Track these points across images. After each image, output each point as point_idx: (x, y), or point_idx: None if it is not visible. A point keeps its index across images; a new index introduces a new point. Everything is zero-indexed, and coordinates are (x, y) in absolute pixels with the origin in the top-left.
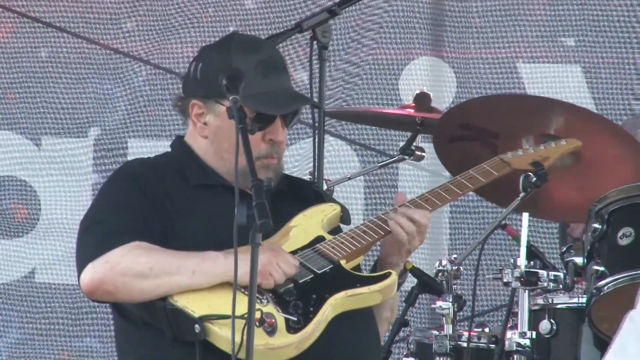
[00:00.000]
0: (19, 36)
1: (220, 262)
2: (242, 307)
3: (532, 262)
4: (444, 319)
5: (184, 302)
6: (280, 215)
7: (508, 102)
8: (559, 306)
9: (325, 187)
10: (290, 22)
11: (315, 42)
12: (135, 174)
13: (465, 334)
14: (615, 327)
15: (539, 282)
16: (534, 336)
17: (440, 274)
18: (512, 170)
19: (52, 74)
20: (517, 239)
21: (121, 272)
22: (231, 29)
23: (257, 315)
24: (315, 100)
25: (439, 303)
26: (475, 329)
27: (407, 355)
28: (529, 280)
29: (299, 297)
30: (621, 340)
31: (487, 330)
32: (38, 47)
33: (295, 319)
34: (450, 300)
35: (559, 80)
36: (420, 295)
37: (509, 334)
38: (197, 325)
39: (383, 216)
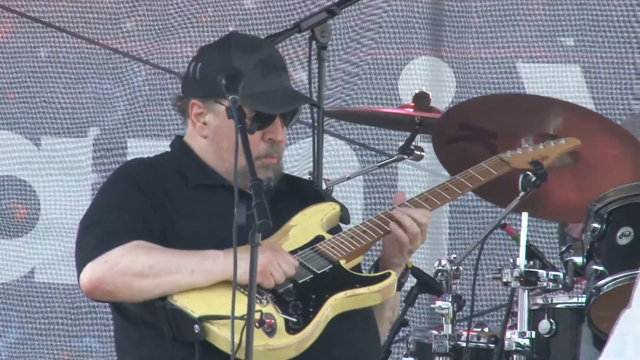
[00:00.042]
0: (18, 36)
1: (220, 261)
2: (241, 307)
3: (531, 262)
4: (443, 318)
5: (183, 302)
6: (280, 215)
7: (507, 102)
8: (558, 306)
9: (324, 186)
10: (289, 22)
11: (314, 42)
12: (134, 174)
13: (465, 333)
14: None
15: (538, 282)
16: (533, 336)
17: (439, 274)
18: (511, 169)
19: (51, 74)
20: (516, 238)
21: (121, 271)
22: (230, 28)
23: (257, 316)
24: (315, 100)
25: (439, 303)
26: (475, 329)
27: (406, 355)
28: (529, 280)
29: (299, 298)
30: (616, 340)
31: (486, 330)
32: (37, 47)
33: (295, 319)
34: (450, 300)
35: (558, 80)
36: (419, 295)
37: (508, 333)
38: (196, 326)
39: (383, 215)
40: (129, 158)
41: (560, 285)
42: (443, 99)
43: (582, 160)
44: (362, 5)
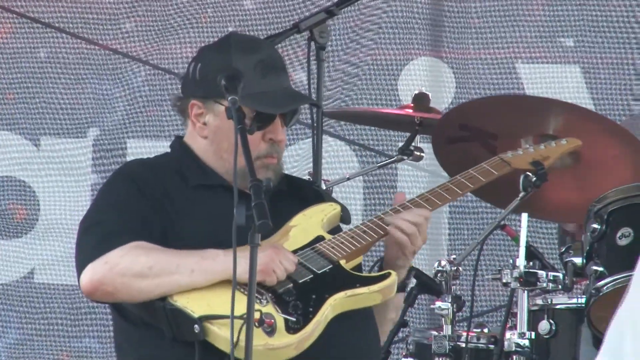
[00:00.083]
0: (18, 36)
1: (220, 260)
2: (241, 307)
3: (531, 263)
4: (443, 319)
5: (183, 302)
6: (280, 215)
7: (507, 103)
8: (558, 306)
9: (324, 187)
10: (289, 23)
11: (312, 42)
12: (134, 175)
13: (465, 334)
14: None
15: (538, 283)
16: (533, 336)
17: (439, 275)
18: (512, 169)
19: (51, 75)
20: (516, 239)
21: (120, 272)
22: (230, 29)
23: (257, 315)
24: (315, 100)
25: (438, 303)
26: (475, 330)
27: (406, 356)
28: (528, 280)
29: (299, 297)
30: (613, 339)
31: (486, 330)
32: (37, 47)
33: (295, 319)
34: (450, 300)
35: (558, 81)
36: (419, 296)
37: (508, 334)
38: (196, 325)
39: (383, 216)
40: (128, 159)
41: (560, 286)
42: (442, 100)
43: (582, 160)
44: (361, 6)
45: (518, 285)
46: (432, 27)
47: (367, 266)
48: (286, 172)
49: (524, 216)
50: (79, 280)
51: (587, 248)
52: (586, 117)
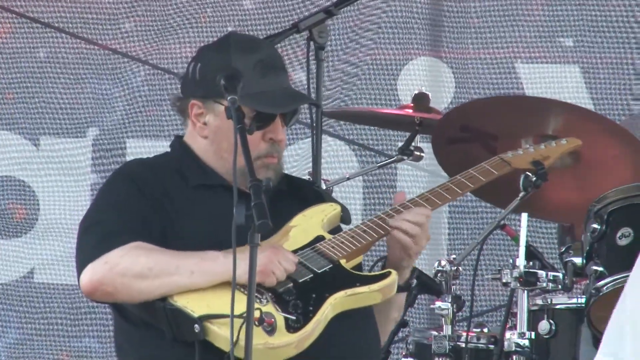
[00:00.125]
0: (17, 36)
1: (220, 262)
2: (241, 307)
3: (531, 263)
4: (443, 319)
5: (183, 302)
6: (280, 215)
7: (507, 104)
8: (558, 306)
9: (323, 187)
10: (288, 23)
11: (312, 42)
12: (134, 175)
13: (464, 334)
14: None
15: (538, 283)
16: (533, 336)
17: (439, 275)
18: (512, 169)
19: (50, 74)
20: (516, 239)
21: (120, 272)
22: (229, 29)
23: (257, 314)
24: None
25: (438, 303)
26: (474, 330)
27: (406, 356)
28: (528, 280)
29: (299, 297)
30: (613, 337)
31: (486, 330)
32: (36, 47)
33: (295, 318)
34: (449, 300)
35: (557, 81)
36: (419, 296)
37: (508, 334)
38: (196, 325)
39: (383, 216)
40: (128, 158)
41: (560, 286)
42: (442, 100)
43: (582, 160)
44: (360, 6)
45: (518, 285)
46: (432, 27)
47: (367, 265)
48: (286, 172)
49: (524, 216)
50: (78, 280)
51: (587, 248)
52: (586, 117)
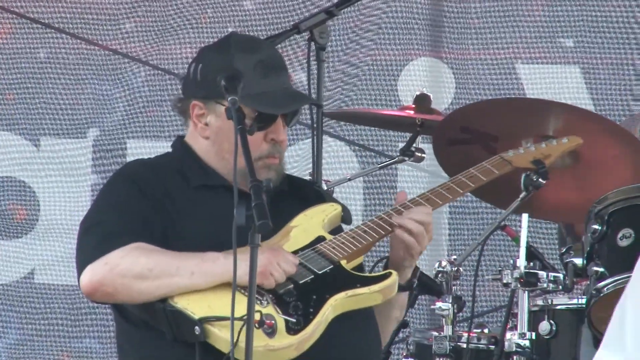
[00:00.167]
0: (17, 37)
1: (220, 263)
2: (242, 308)
3: (531, 263)
4: (443, 319)
5: (184, 304)
6: (281, 216)
7: (507, 105)
8: (558, 307)
9: (325, 188)
10: (289, 23)
11: (312, 43)
12: (135, 175)
13: (465, 334)
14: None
15: (538, 283)
16: (533, 337)
17: (439, 275)
18: (513, 168)
19: (50, 75)
20: (516, 239)
21: (121, 273)
22: (230, 29)
23: (257, 316)
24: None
25: (439, 304)
26: (475, 330)
27: (406, 357)
28: (529, 281)
29: (299, 298)
30: (614, 333)
31: (486, 331)
32: (37, 47)
33: (295, 320)
34: (450, 301)
35: (557, 81)
36: (419, 296)
37: (508, 334)
38: (197, 327)
39: (384, 216)
40: (128, 159)
41: (561, 287)
42: (442, 100)
43: (582, 160)
44: (361, 7)
45: (518, 285)
46: (432, 28)
47: (368, 266)
48: (286, 172)
49: (525, 216)
50: (79, 281)
51: (588, 249)
52: (586, 118)
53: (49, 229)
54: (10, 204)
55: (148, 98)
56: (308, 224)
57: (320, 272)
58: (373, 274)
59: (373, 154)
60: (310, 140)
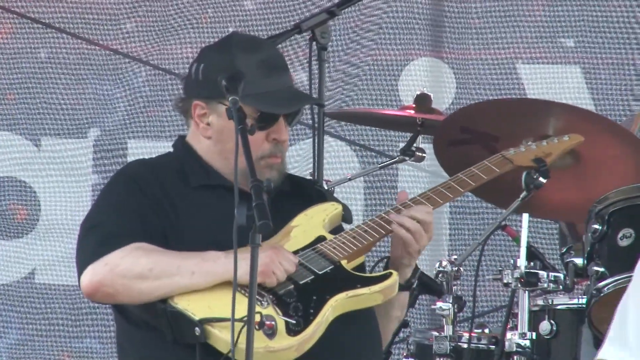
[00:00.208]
0: (18, 37)
1: (221, 262)
2: (242, 309)
3: (532, 263)
4: (444, 319)
5: (184, 305)
6: (282, 215)
7: (508, 105)
8: (559, 307)
9: (325, 187)
10: (289, 23)
11: (314, 43)
12: (135, 175)
13: (466, 334)
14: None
15: (539, 283)
16: (534, 337)
17: (440, 275)
18: (514, 166)
19: (51, 75)
20: (517, 239)
21: (121, 274)
22: (230, 29)
23: (257, 317)
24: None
25: (439, 304)
26: (475, 330)
27: (407, 357)
28: (529, 281)
29: (299, 299)
30: (618, 329)
31: (487, 331)
32: (37, 47)
33: (295, 321)
34: (451, 301)
35: (558, 81)
36: (420, 296)
37: (509, 334)
38: (197, 328)
39: (384, 215)
40: (129, 159)
41: (561, 287)
42: (443, 100)
43: (583, 160)
44: (362, 7)
45: (519, 285)
46: (433, 28)
47: (368, 265)
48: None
49: (525, 216)
50: (79, 281)
51: (588, 249)
52: (586, 118)
53: (50, 229)
54: (11, 204)
55: (149, 98)
56: (308, 224)
57: (320, 273)
58: (373, 274)
59: (374, 153)
60: (311, 140)
